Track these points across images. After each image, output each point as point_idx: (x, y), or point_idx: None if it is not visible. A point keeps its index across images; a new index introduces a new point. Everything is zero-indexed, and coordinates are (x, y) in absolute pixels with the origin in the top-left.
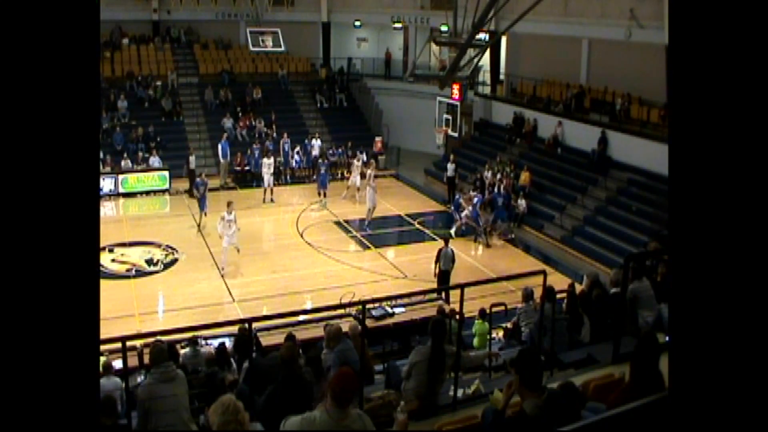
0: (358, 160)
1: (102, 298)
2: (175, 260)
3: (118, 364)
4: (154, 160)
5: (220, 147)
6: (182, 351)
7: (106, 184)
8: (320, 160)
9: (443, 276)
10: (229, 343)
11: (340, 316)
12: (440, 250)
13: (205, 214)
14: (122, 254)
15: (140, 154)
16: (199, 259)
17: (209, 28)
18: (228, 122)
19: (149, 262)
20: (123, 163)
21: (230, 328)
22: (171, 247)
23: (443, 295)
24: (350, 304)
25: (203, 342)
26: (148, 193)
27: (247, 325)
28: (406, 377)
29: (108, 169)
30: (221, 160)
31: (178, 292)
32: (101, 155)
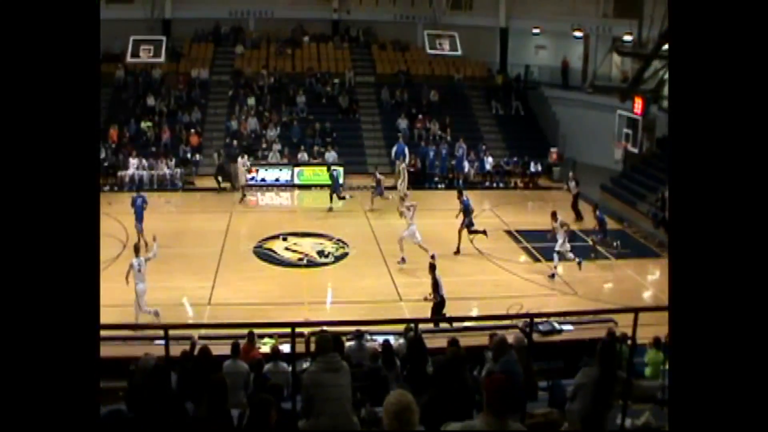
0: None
1: (273, 283)
2: (346, 254)
3: (286, 348)
4: (330, 155)
5: (395, 148)
6: (348, 343)
7: (283, 174)
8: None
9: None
10: (393, 341)
11: (506, 327)
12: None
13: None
14: (295, 243)
15: (316, 148)
16: (370, 256)
17: (387, 29)
18: (403, 123)
19: (320, 253)
20: (299, 155)
21: (396, 327)
22: (342, 241)
23: None
24: (517, 316)
25: (368, 337)
26: (322, 186)
27: (413, 325)
28: (571, 398)
29: (285, 160)
30: (396, 161)
31: (347, 286)
32: (279, 147)
